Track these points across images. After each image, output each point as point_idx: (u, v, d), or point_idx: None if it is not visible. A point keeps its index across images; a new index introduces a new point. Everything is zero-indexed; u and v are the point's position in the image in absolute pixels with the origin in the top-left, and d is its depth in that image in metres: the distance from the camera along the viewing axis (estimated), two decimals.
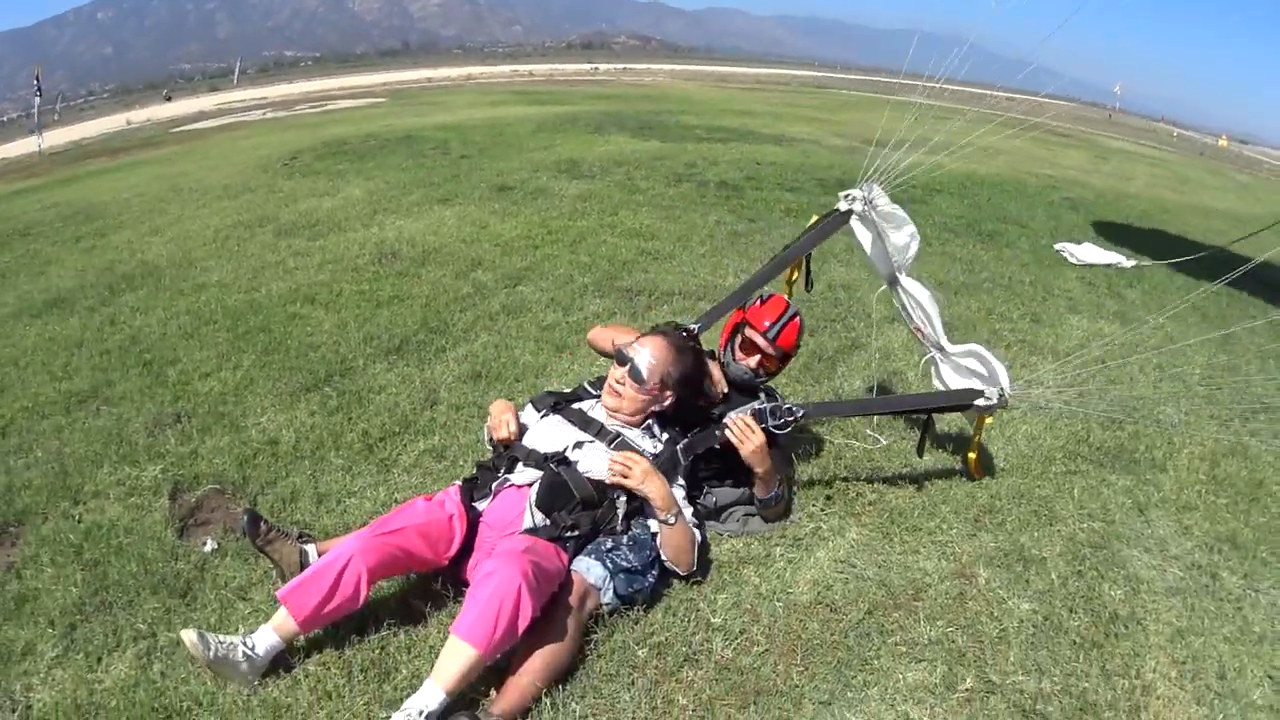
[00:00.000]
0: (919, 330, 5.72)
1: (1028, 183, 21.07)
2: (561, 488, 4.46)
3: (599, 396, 5.05)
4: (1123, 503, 5.90)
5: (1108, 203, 20.23)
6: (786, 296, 5.75)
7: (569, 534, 4.41)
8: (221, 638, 3.79)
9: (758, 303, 5.55)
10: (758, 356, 5.43)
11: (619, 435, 4.78)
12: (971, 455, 5.62)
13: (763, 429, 4.93)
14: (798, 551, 5.02)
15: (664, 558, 4.51)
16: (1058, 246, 13.38)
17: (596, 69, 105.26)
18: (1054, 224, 15.84)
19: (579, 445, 4.71)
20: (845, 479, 5.82)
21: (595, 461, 4.61)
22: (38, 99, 43.50)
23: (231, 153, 23.76)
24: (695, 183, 15.85)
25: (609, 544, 4.45)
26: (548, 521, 4.39)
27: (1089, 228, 16.08)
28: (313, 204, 13.78)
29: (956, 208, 16.02)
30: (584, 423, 4.86)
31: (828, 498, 5.57)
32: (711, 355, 5.52)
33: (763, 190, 15.70)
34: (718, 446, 4.96)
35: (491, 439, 4.95)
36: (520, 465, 4.63)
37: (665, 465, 4.71)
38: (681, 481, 4.81)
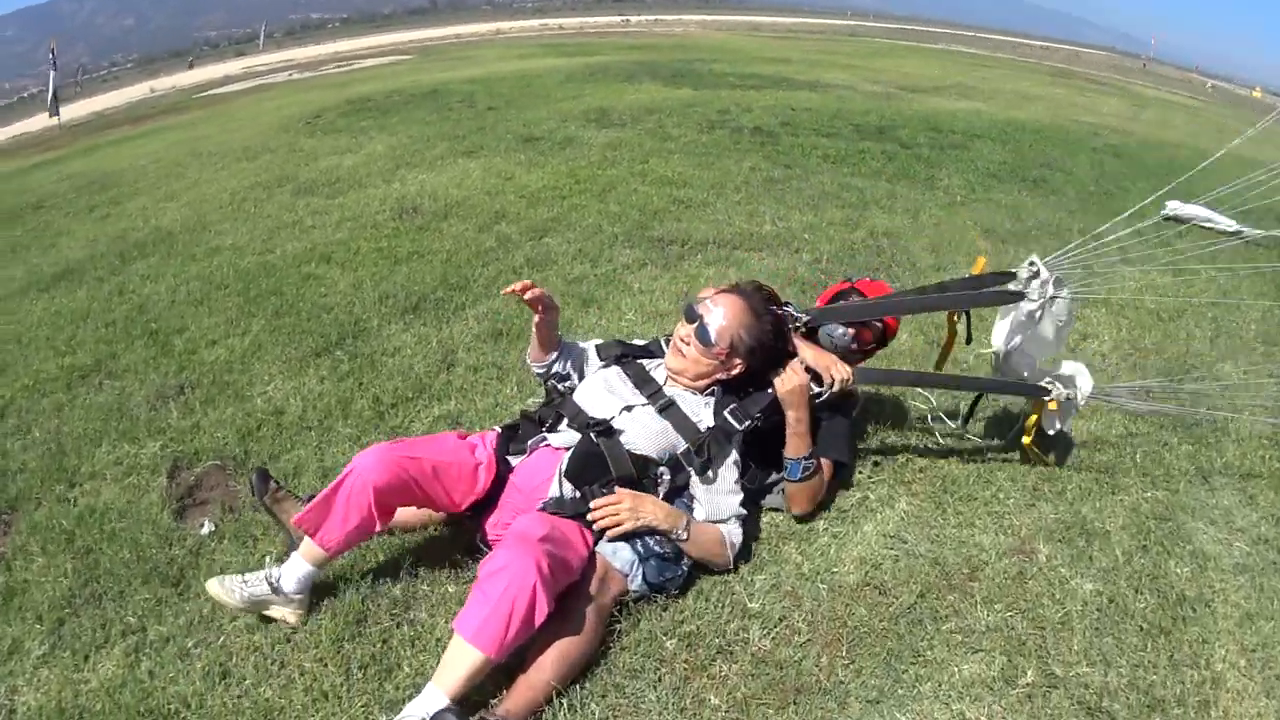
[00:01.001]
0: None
1: (1069, 129, 20.47)
2: (596, 459, 4.01)
3: (661, 356, 4.66)
4: (1185, 469, 5.47)
5: (1150, 149, 19.66)
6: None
7: None
8: (245, 576, 3.81)
9: (867, 278, 5.36)
10: (861, 328, 5.00)
11: (672, 402, 4.30)
12: (1025, 439, 5.12)
13: (813, 398, 4.53)
14: (843, 525, 4.64)
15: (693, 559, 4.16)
16: (1169, 208, 12.18)
17: (628, 20, 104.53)
18: (1098, 171, 15.39)
19: (628, 409, 4.25)
20: (893, 444, 5.43)
21: (641, 430, 4.17)
22: (53, 73, 43.17)
23: (254, 115, 23.48)
24: (729, 129, 15.32)
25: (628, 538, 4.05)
26: (577, 494, 3.95)
27: (1138, 177, 15.42)
28: (333, 161, 13.48)
29: (999, 154, 15.52)
30: (641, 381, 4.42)
31: (875, 464, 5.18)
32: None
33: (799, 136, 15.15)
34: (764, 405, 4.49)
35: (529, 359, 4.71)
36: (564, 424, 4.22)
37: (718, 434, 4.27)
38: (735, 457, 4.31)
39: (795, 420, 4.44)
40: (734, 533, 4.18)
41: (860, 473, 5.06)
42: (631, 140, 13.94)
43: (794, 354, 4.56)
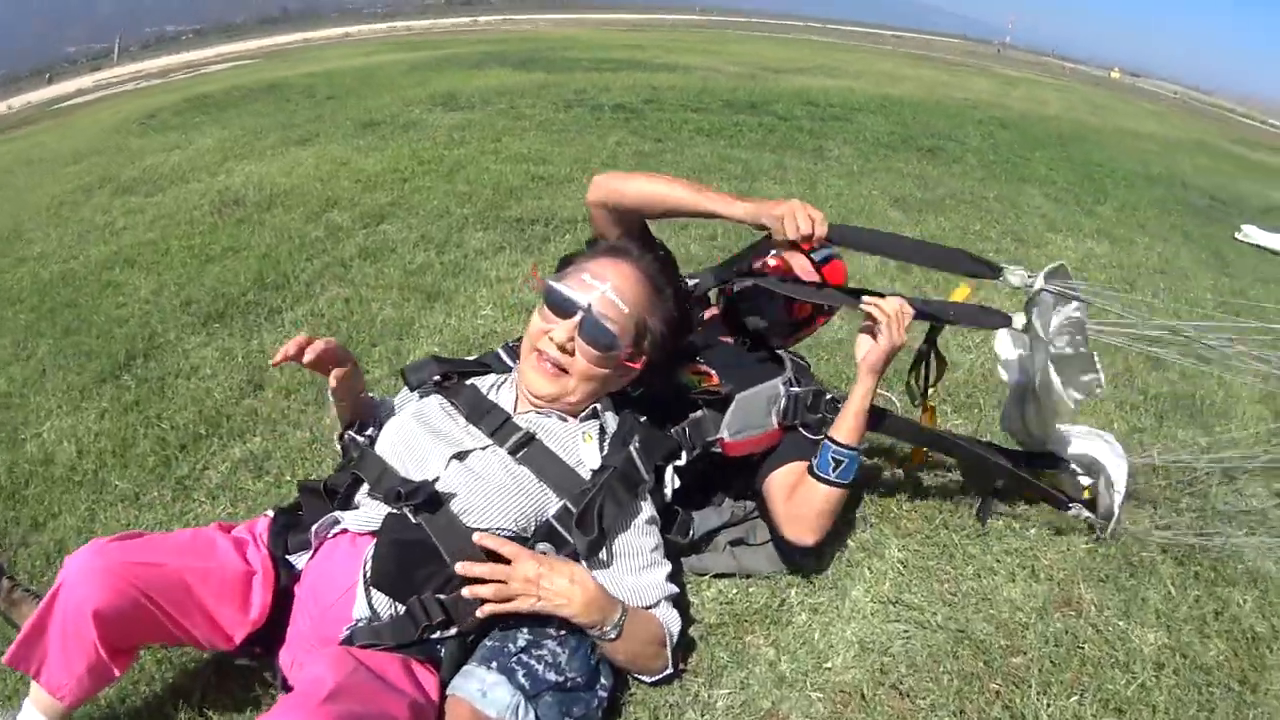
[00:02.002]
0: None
1: (946, 104, 20.17)
2: (416, 549, 2.53)
3: (509, 369, 3.22)
4: (1206, 468, 4.46)
5: (1032, 124, 19.41)
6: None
7: (437, 634, 2.53)
8: None
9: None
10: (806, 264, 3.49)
11: (531, 437, 2.80)
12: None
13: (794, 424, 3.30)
14: (822, 592, 3.30)
15: (615, 665, 2.75)
16: (1244, 231, 11.60)
17: (476, 21, 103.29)
18: (991, 141, 14.90)
19: (460, 457, 2.76)
20: (864, 470, 3.99)
21: (485, 489, 2.67)
22: None
23: (93, 121, 21.70)
24: (588, 107, 14.08)
25: (520, 640, 2.55)
26: (398, 609, 2.51)
27: (1033, 147, 15.16)
28: (159, 159, 11.99)
29: (884, 125, 14.81)
30: (478, 412, 2.89)
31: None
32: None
33: (665, 111, 14.00)
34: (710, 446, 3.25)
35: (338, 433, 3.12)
36: (364, 495, 2.75)
37: (619, 480, 2.78)
38: (650, 513, 2.90)
39: (865, 394, 3.14)
40: (672, 621, 2.81)
41: None
42: (481, 121, 12.67)
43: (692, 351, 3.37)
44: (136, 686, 2.85)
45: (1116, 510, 3.66)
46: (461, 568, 2.50)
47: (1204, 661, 3.10)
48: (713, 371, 3.37)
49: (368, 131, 12.30)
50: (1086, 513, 3.68)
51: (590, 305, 2.78)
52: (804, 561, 3.36)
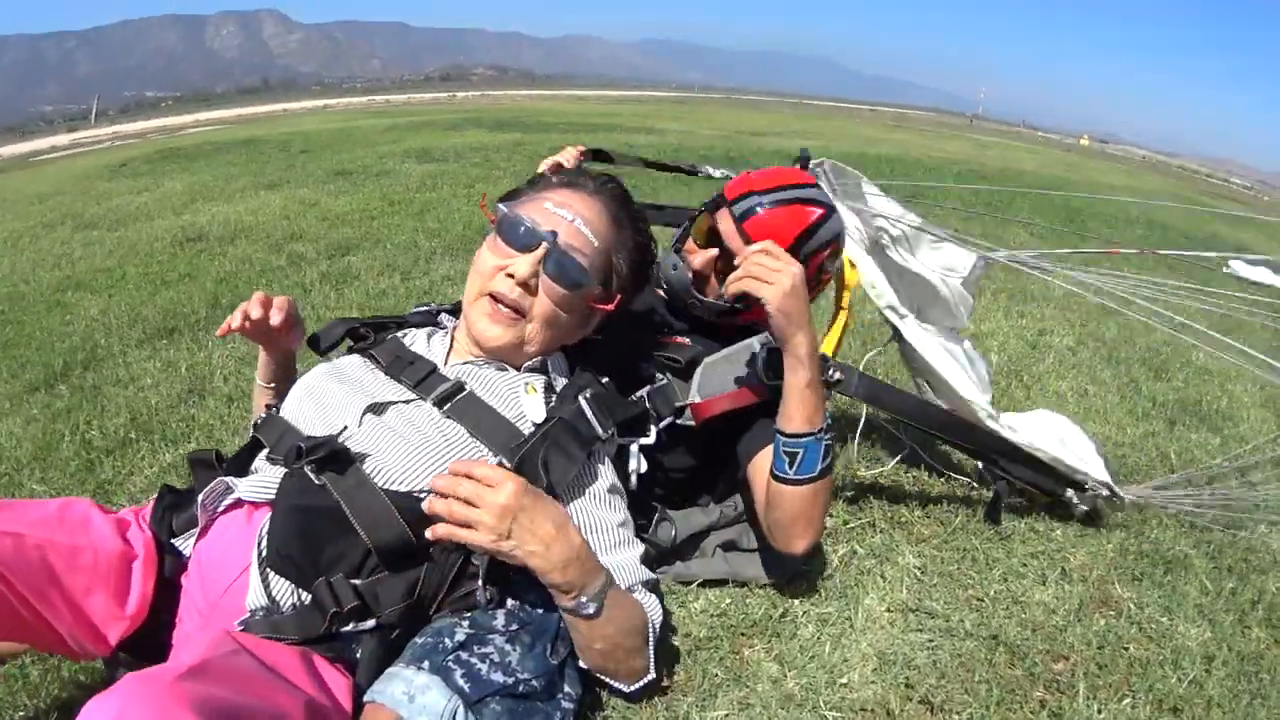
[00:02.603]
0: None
1: (924, 161, 20.18)
2: (320, 517, 2.02)
3: (440, 326, 2.70)
4: (1222, 466, 4.37)
5: (1010, 177, 19.63)
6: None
7: (351, 626, 2.01)
8: None
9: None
10: (712, 252, 2.91)
11: (461, 386, 2.34)
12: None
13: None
14: (831, 601, 2.92)
15: (586, 665, 2.24)
16: (1231, 265, 12.06)
17: (454, 97, 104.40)
18: (971, 190, 14.70)
19: (376, 410, 2.28)
20: (868, 468, 3.89)
21: (403, 445, 2.18)
22: None
23: (63, 170, 21.64)
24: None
25: (459, 634, 2.01)
26: (300, 597, 2.01)
27: (1013, 195, 15.22)
28: (126, 200, 11.84)
29: (864, 175, 14.64)
30: (400, 363, 2.44)
31: (849, 501, 3.57)
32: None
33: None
34: (671, 405, 2.73)
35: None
36: (262, 460, 2.26)
37: (565, 430, 2.28)
38: (609, 478, 2.41)
39: (803, 360, 2.47)
40: (653, 609, 2.31)
41: (831, 515, 3.41)
42: (455, 171, 12.49)
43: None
44: None
45: (1109, 477, 3.53)
46: (430, 506, 2.03)
47: (1250, 651, 2.88)
48: (686, 339, 2.94)
49: (339, 179, 12.09)
50: (1080, 503, 3.53)
51: (556, 235, 2.37)
52: (805, 568, 2.99)
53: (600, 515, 2.30)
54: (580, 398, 2.37)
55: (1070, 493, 3.48)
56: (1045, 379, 5.49)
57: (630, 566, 2.31)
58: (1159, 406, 5.31)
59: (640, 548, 2.38)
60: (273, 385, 2.65)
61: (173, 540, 2.19)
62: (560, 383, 2.47)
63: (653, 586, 2.37)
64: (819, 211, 2.86)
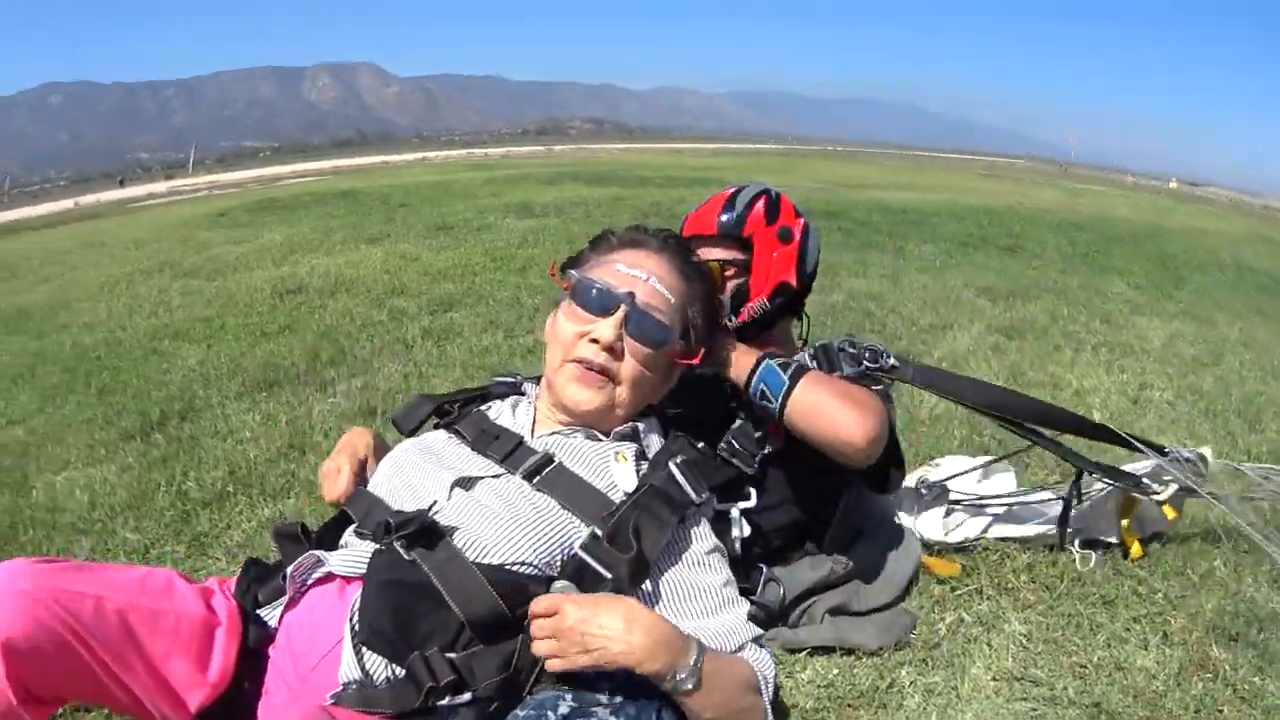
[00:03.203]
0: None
1: (1019, 210, 20.12)
2: (413, 593, 2.01)
3: (523, 394, 2.69)
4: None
5: (1105, 225, 19.38)
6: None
7: (447, 699, 1.94)
8: None
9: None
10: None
11: (550, 459, 2.31)
12: (1133, 548, 3.59)
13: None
14: (936, 670, 2.86)
15: None
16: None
17: (551, 150, 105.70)
18: (1067, 239, 14.93)
19: (465, 485, 2.27)
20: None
21: (495, 520, 2.15)
22: None
23: (159, 217, 22.39)
24: (665, 217, 13.42)
25: (562, 708, 1.89)
26: (394, 671, 1.96)
27: (1110, 243, 15.36)
28: (225, 250, 12.17)
29: (961, 228, 14.88)
30: (486, 438, 2.43)
31: (961, 568, 3.49)
32: None
33: None
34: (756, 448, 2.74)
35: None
36: (351, 535, 2.29)
37: (656, 497, 2.26)
38: (708, 540, 2.36)
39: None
40: (764, 664, 2.24)
41: (940, 583, 3.35)
42: (556, 227, 12.52)
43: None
44: None
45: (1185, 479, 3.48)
46: (535, 646, 1.95)
47: None
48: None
49: (440, 233, 12.19)
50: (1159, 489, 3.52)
51: (634, 296, 2.39)
52: (913, 635, 2.96)
53: (698, 580, 2.28)
54: (671, 464, 2.37)
55: (1146, 478, 3.49)
56: (1147, 435, 5.35)
57: (736, 627, 2.25)
58: (1253, 460, 5.12)
59: (745, 605, 2.33)
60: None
61: (258, 611, 2.18)
62: (654, 448, 2.49)
63: (761, 642, 2.31)
64: (735, 187, 3.21)
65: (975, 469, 3.79)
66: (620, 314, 2.34)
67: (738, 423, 2.79)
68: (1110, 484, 3.51)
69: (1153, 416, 5.77)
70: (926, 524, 3.56)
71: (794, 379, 2.53)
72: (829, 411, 2.50)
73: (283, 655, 2.04)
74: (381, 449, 2.59)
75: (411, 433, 2.64)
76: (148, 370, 6.18)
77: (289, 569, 2.12)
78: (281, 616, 2.13)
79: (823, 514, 2.96)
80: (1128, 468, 3.59)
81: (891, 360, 2.93)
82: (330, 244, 11.74)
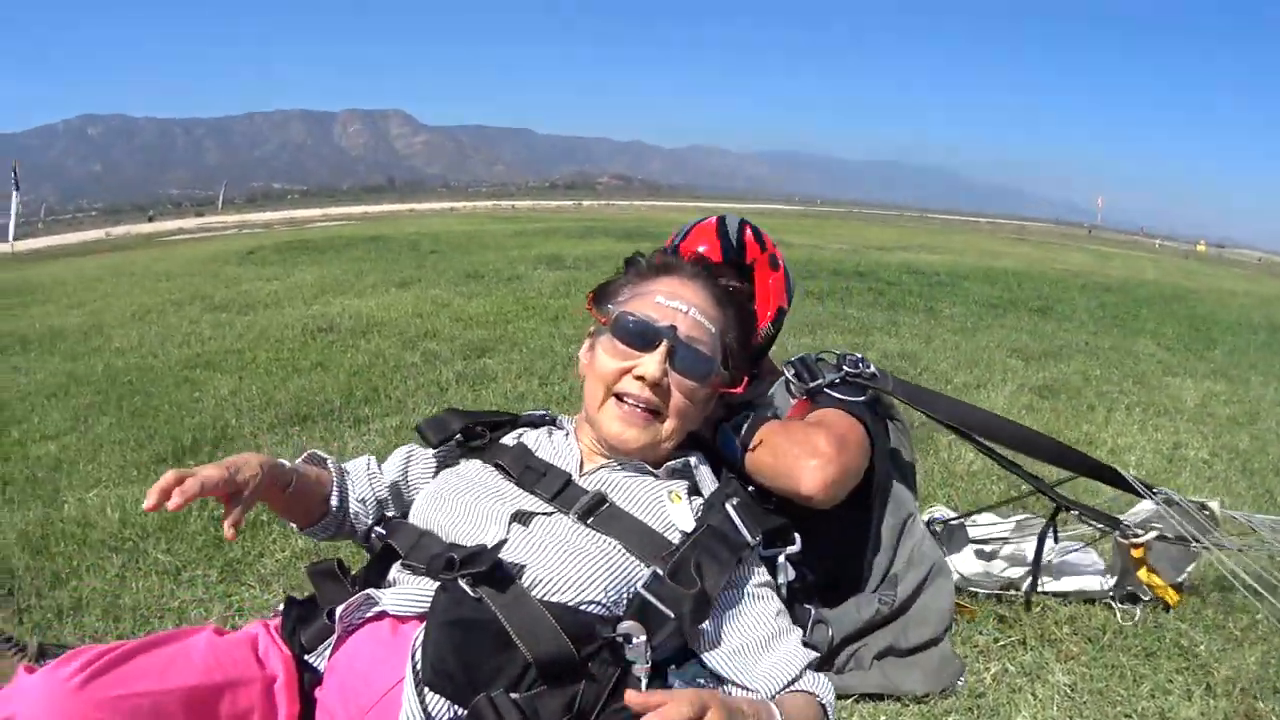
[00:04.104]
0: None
1: (1048, 273, 20.34)
2: (480, 635, 1.92)
3: (559, 426, 2.61)
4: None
5: (1133, 288, 19.49)
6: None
7: None
8: None
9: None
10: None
11: (603, 499, 2.22)
12: (1169, 596, 3.54)
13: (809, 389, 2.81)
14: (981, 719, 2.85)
15: None
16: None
17: (580, 204, 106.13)
18: (1097, 302, 15.15)
19: (522, 520, 2.18)
20: (1012, 582, 3.72)
21: (559, 559, 2.07)
22: (15, 194, 41.97)
23: (191, 251, 22.64)
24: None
25: None
26: (457, 713, 1.86)
27: (1139, 305, 15.46)
28: (256, 286, 12.29)
29: (991, 290, 15.02)
30: (534, 473, 2.32)
31: (1000, 619, 3.49)
32: None
33: None
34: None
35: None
36: (399, 570, 2.18)
37: (715, 538, 2.20)
38: (763, 576, 2.32)
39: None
40: (824, 690, 2.21)
41: (982, 633, 3.34)
42: (587, 279, 12.25)
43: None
44: None
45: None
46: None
47: None
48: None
49: (471, 281, 12.27)
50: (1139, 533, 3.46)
51: (676, 329, 2.32)
52: (960, 682, 2.93)
53: (756, 611, 2.23)
54: (728, 505, 2.29)
55: (1130, 519, 3.46)
56: (1184, 493, 5.33)
57: (795, 654, 2.22)
58: None
59: (799, 631, 2.29)
60: (288, 499, 2.32)
61: (306, 658, 2.09)
62: (705, 483, 2.43)
63: (818, 665, 2.27)
64: (717, 218, 3.23)
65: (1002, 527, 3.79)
66: (664, 348, 2.28)
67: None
68: (1089, 523, 3.53)
69: (1188, 474, 5.77)
70: (962, 562, 3.57)
71: (745, 440, 2.53)
72: (782, 465, 2.48)
73: (333, 697, 1.94)
74: (278, 480, 2.23)
75: (437, 447, 2.55)
76: (180, 397, 6.23)
77: (339, 610, 2.02)
78: (329, 656, 2.04)
79: (859, 549, 2.93)
80: (1132, 511, 3.58)
81: (872, 369, 2.92)
82: (361, 286, 11.83)
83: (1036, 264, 23.90)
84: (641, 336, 2.29)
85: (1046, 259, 28.24)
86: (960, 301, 13.12)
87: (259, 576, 3.60)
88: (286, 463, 2.27)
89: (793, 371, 2.88)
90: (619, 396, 2.32)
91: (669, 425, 2.33)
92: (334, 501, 2.37)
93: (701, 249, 3.04)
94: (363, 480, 2.46)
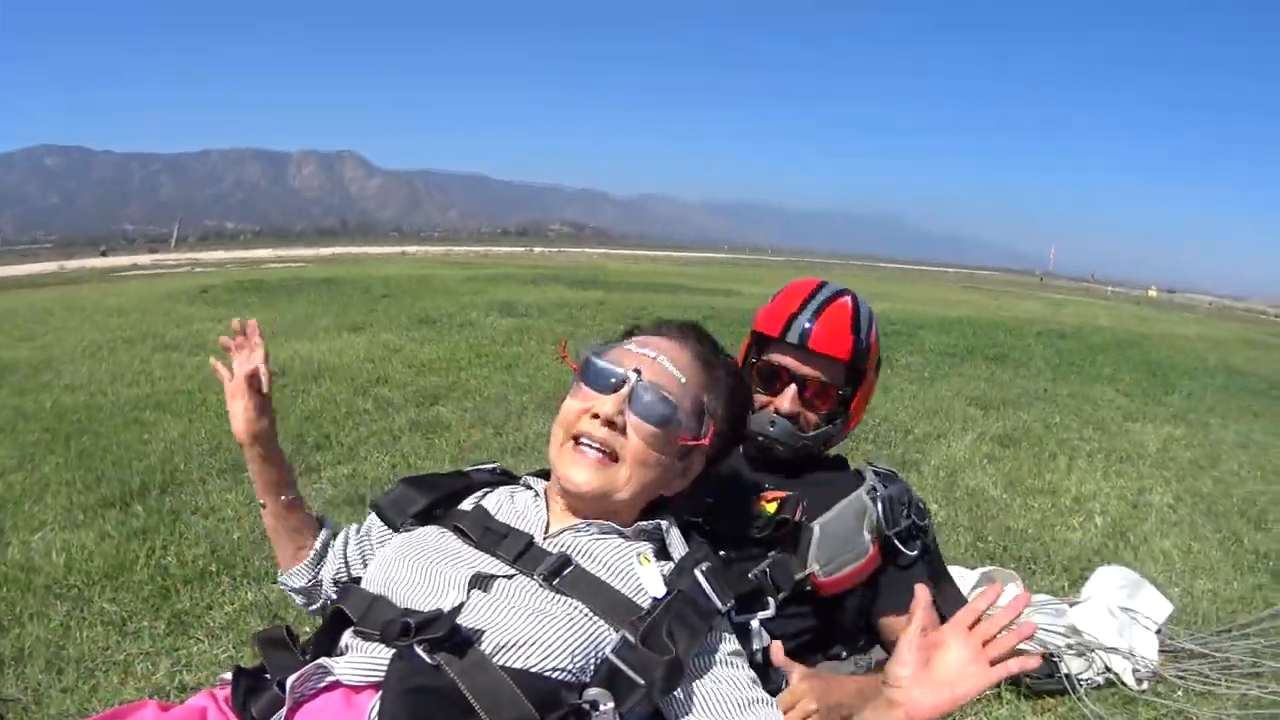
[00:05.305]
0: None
1: (1003, 321, 20.50)
2: (440, 704, 1.80)
3: (527, 487, 2.39)
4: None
5: (1088, 333, 19.80)
6: None
7: None
8: None
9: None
10: (792, 388, 2.72)
11: (567, 560, 2.09)
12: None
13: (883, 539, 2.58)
14: None
15: None
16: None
17: (531, 250, 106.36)
18: (1053, 349, 15.34)
19: (483, 585, 2.05)
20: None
21: (522, 623, 1.95)
22: None
23: (143, 288, 22.31)
24: (649, 321, 13.81)
25: None
26: None
27: (1094, 352, 15.64)
28: (207, 326, 12.07)
29: (947, 339, 15.14)
30: (495, 535, 2.19)
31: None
32: None
33: (726, 326, 13.06)
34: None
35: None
36: (352, 638, 2.03)
37: (686, 604, 2.05)
38: (733, 644, 2.16)
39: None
40: None
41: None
42: (540, 327, 12.58)
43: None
44: None
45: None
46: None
47: None
48: (779, 491, 2.66)
49: (423, 326, 12.23)
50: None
51: (640, 371, 2.16)
52: None
53: (729, 676, 2.08)
54: (696, 571, 2.14)
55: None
56: (1151, 538, 5.61)
57: (763, 702, 2.09)
58: (1262, 558, 5.44)
59: (771, 700, 2.14)
60: (285, 498, 2.39)
61: None
62: (675, 547, 2.27)
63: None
64: (849, 297, 2.84)
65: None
66: (625, 390, 2.10)
67: (776, 555, 2.60)
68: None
69: (1154, 520, 5.92)
70: None
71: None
72: None
73: None
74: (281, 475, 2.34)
75: (398, 528, 2.36)
76: (128, 438, 6.14)
77: (290, 680, 1.90)
78: None
79: (839, 618, 2.74)
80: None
81: (926, 521, 2.69)
82: (313, 329, 11.76)
83: (990, 312, 24.34)
84: (603, 376, 2.16)
85: (999, 306, 28.81)
86: (916, 350, 13.27)
87: (207, 630, 3.53)
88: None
89: (884, 508, 2.58)
90: (576, 439, 2.16)
91: (625, 472, 2.15)
92: (322, 535, 2.39)
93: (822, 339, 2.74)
94: (346, 542, 2.39)
